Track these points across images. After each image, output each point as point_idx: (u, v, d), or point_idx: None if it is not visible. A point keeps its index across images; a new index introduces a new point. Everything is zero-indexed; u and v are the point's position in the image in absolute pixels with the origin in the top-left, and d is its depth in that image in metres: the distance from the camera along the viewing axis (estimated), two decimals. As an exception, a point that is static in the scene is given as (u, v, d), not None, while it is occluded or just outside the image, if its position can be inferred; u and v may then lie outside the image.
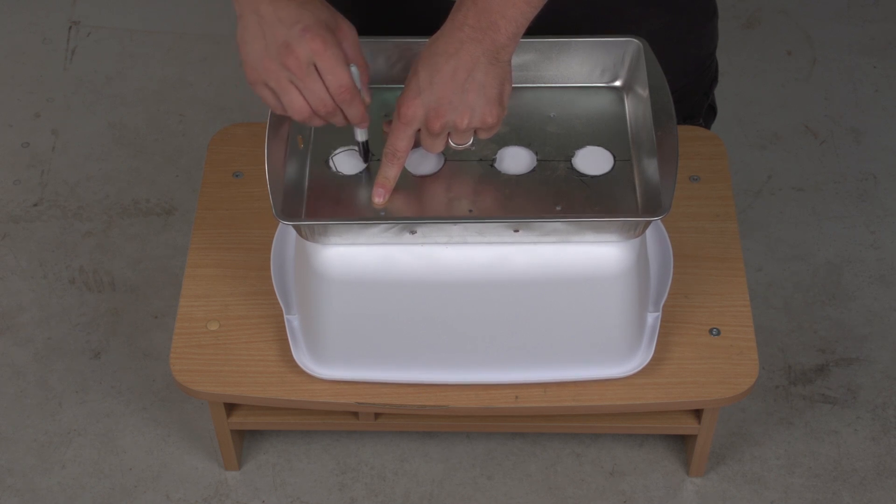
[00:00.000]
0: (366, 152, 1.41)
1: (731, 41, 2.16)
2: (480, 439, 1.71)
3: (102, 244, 1.92)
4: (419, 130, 1.33)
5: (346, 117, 1.33)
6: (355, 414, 1.58)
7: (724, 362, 1.49)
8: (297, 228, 1.36)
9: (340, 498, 1.66)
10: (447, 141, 1.34)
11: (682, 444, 1.70)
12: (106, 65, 2.17)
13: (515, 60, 1.45)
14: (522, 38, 1.45)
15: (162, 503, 1.67)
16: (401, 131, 1.32)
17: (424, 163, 1.42)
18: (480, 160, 1.42)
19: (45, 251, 1.92)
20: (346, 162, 1.43)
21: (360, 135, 1.39)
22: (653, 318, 1.50)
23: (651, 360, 1.49)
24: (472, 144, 1.37)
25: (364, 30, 1.38)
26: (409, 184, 1.41)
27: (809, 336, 1.81)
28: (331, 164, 1.43)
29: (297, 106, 1.30)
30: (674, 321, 1.52)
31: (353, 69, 1.31)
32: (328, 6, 1.31)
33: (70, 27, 2.23)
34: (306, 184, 1.41)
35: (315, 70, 1.28)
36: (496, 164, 1.42)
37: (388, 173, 1.36)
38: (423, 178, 1.41)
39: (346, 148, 1.44)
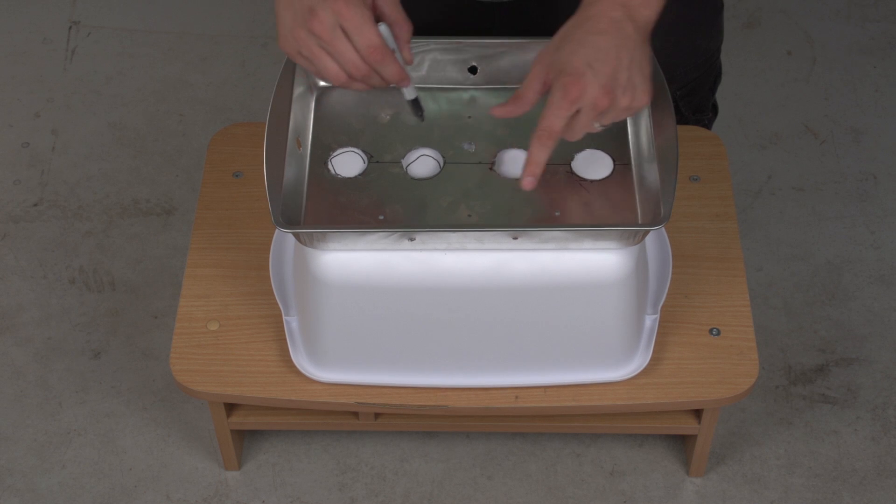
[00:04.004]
0: (419, 110, 1.37)
1: (731, 41, 2.16)
2: (480, 439, 1.71)
3: (102, 244, 1.92)
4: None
5: (383, 78, 1.29)
6: (355, 414, 1.58)
7: (724, 362, 1.49)
8: (296, 235, 1.36)
9: (340, 498, 1.67)
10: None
11: (682, 444, 1.70)
12: (106, 65, 2.17)
13: (515, 62, 1.45)
14: (522, 38, 1.46)
15: (162, 503, 1.67)
16: (563, 111, 1.27)
17: (424, 165, 1.42)
18: (479, 163, 1.42)
19: (45, 251, 1.92)
20: (344, 164, 1.42)
21: (407, 93, 1.35)
22: (651, 320, 1.50)
23: (651, 360, 1.49)
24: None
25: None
26: (408, 187, 1.41)
27: (809, 336, 1.81)
28: (330, 166, 1.43)
29: (332, 72, 1.27)
30: (674, 321, 1.52)
31: (383, 27, 1.27)
32: None
33: (70, 27, 2.23)
34: (305, 187, 1.41)
35: (342, 33, 1.25)
36: (495, 168, 1.42)
37: (541, 157, 1.30)
38: (423, 181, 1.41)
39: (344, 150, 1.44)
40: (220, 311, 1.53)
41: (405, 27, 1.30)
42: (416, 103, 1.36)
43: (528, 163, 1.31)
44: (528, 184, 1.31)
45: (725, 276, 1.55)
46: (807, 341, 1.81)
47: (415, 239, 1.35)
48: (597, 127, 1.31)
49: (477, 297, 1.40)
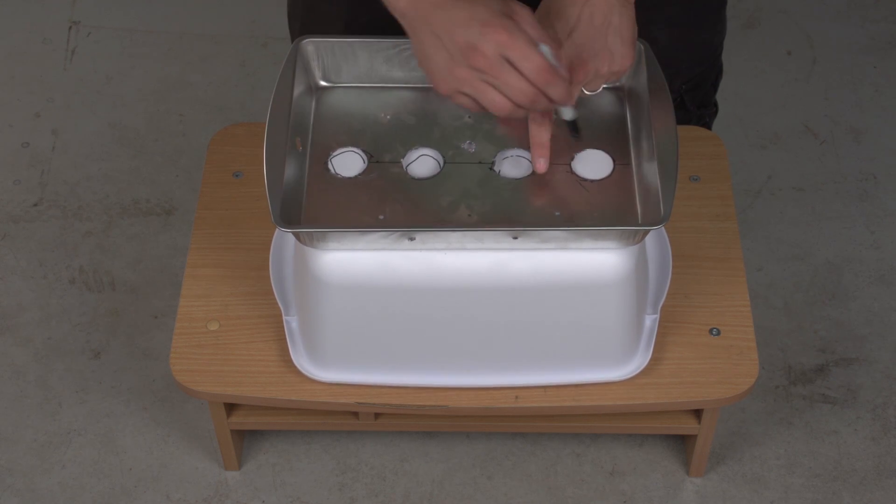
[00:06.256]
0: (576, 129, 1.36)
1: (732, 41, 2.15)
2: (480, 439, 1.71)
3: (102, 244, 1.92)
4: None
5: (550, 99, 1.27)
6: (355, 414, 1.58)
7: (724, 362, 1.49)
8: (296, 235, 1.36)
9: (340, 498, 1.67)
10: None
11: (682, 444, 1.70)
12: (106, 65, 2.17)
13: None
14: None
15: (162, 503, 1.67)
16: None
17: (424, 165, 1.42)
18: (480, 163, 1.42)
19: (45, 251, 1.92)
20: (344, 164, 1.42)
21: (567, 113, 1.34)
22: (651, 320, 1.50)
23: (651, 359, 1.49)
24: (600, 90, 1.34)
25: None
26: (408, 187, 1.41)
27: (809, 336, 1.81)
28: (330, 165, 1.43)
29: (498, 103, 1.25)
30: (674, 321, 1.52)
31: (544, 48, 1.24)
32: None
33: (70, 27, 2.23)
34: (305, 187, 1.41)
35: (506, 62, 1.23)
36: (495, 168, 1.42)
37: (543, 137, 1.33)
38: (423, 180, 1.41)
39: (344, 150, 1.44)
40: (220, 311, 1.53)
41: (556, 45, 1.27)
42: (573, 124, 1.36)
43: (532, 146, 1.35)
44: (540, 166, 1.36)
45: (725, 276, 1.55)
46: (807, 341, 1.81)
47: (415, 238, 1.35)
48: (586, 93, 1.34)
49: (477, 296, 1.40)
